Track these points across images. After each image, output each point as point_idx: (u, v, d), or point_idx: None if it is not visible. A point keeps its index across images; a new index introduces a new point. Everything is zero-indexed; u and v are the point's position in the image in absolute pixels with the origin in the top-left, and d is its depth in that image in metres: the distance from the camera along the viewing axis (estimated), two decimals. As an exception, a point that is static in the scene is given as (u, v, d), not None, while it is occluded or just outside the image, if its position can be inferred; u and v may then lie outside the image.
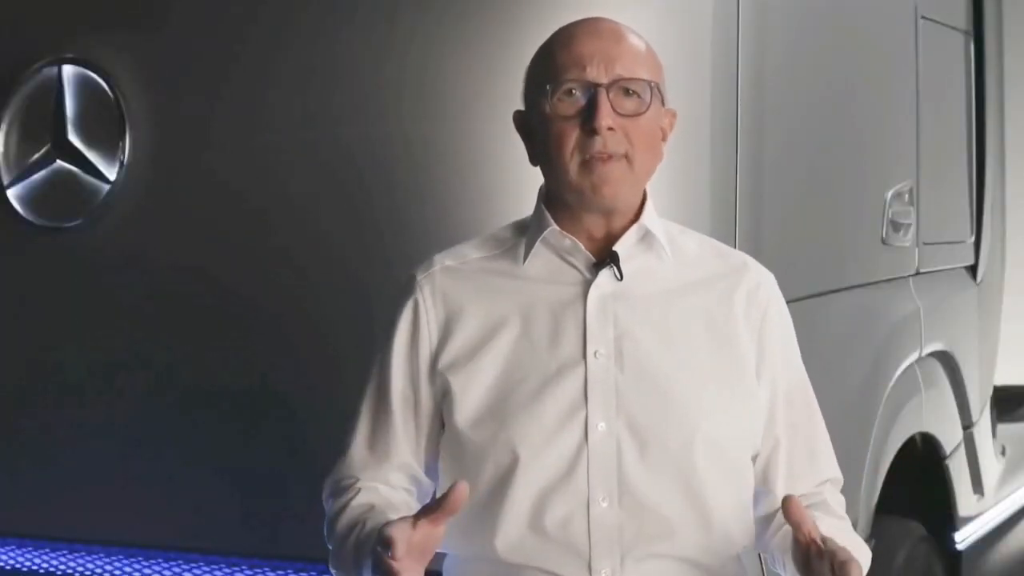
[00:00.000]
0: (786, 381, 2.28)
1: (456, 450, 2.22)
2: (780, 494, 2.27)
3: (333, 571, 2.25)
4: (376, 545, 2.01)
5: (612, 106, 2.14)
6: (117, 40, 3.17)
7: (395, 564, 1.98)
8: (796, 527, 2.05)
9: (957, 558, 4.19)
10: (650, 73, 2.19)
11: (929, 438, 3.92)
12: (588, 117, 2.13)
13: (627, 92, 2.15)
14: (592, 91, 2.14)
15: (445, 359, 2.22)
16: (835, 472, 2.35)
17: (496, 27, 2.89)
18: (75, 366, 3.21)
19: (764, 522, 2.29)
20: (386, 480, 2.27)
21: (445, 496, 2.00)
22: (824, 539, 2.04)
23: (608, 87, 2.14)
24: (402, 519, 2.02)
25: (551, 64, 2.18)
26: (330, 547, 2.26)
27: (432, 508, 2.02)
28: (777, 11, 3.07)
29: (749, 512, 2.27)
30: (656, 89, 2.18)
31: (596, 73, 2.14)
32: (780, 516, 2.24)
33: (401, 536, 1.98)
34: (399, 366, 2.26)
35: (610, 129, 2.13)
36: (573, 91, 2.15)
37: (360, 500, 2.24)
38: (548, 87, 2.16)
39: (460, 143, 2.92)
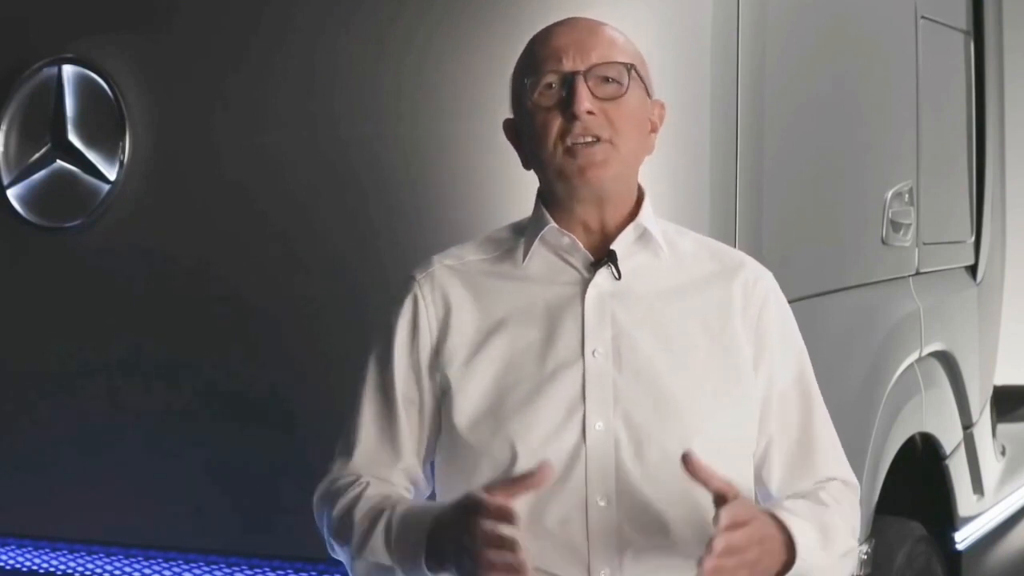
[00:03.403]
0: (783, 378, 2.27)
1: (454, 449, 2.22)
2: (775, 493, 2.27)
3: (352, 563, 2.20)
4: (461, 512, 2.01)
5: (591, 91, 2.16)
6: (117, 40, 3.17)
7: (489, 522, 1.97)
8: (705, 484, 2.03)
9: (957, 558, 4.18)
10: (626, 57, 2.21)
11: (929, 438, 3.91)
12: (567, 104, 2.15)
13: (606, 79, 2.18)
14: (570, 79, 2.16)
15: (444, 358, 2.22)
16: (841, 471, 2.32)
17: (496, 28, 2.88)
18: (75, 366, 3.21)
19: None
20: (389, 480, 2.26)
21: (532, 472, 2.02)
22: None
23: (585, 73, 2.16)
24: (474, 492, 2.02)
25: (530, 61, 2.22)
26: (341, 542, 2.21)
27: (513, 481, 2.03)
28: (777, 11, 3.07)
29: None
30: (635, 72, 2.20)
31: (572, 63, 2.17)
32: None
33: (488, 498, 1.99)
34: (400, 364, 2.26)
35: (590, 113, 2.15)
36: (552, 84, 2.18)
37: (374, 491, 2.21)
38: (527, 81, 2.19)
39: (460, 144, 2.92)
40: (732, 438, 2.21)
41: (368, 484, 2.23)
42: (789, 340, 2.30)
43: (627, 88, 2.18)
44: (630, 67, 2.19)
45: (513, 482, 2.04)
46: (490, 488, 2.03)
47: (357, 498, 2.21)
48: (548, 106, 2.17)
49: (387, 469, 2.26)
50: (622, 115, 2.17)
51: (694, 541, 2.15)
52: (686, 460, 2.03)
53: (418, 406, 2.26)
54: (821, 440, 2.30)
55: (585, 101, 2.15)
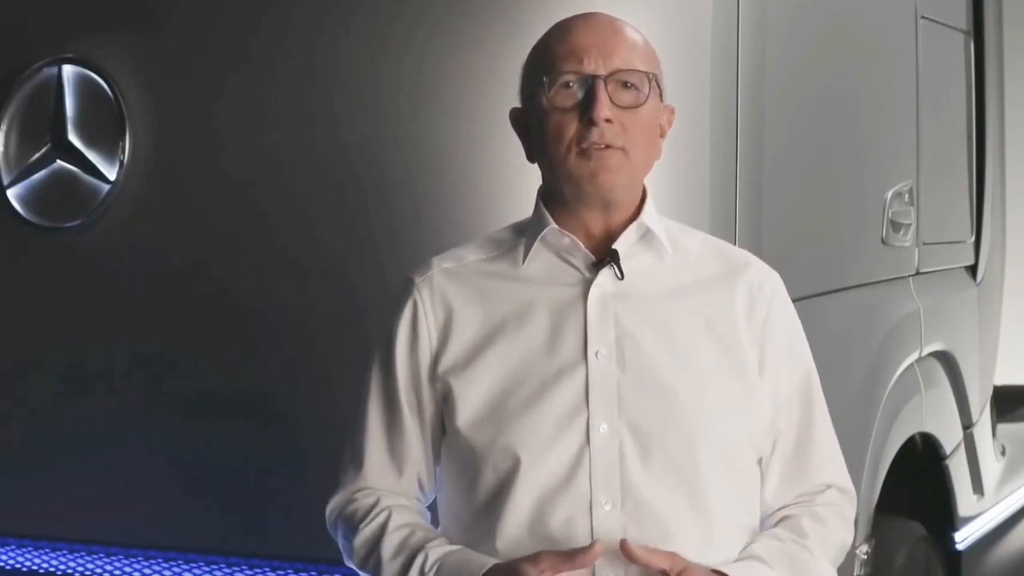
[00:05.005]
0: (788, 383, 2.25)
1: (457, 454, 2.20)
2: (768, 499, 2.27)
3: None
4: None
5: (610, 98, 2.12)
6: (117, 40, 3.18)
7: None
8: (648, 567, 2.07)
9: (957, 558, 4.19)
10: (647, 65, 2.17)
11: (929, 438, 3.91)
12: (586, 109, 2.12)
13: (625, 85, 2.14)
14: (590, 83, 2.13)
15: (445, 363, 2.21)
16: (838, 479, 2.30)
17: (496, 27, 2.88)
18: (75, 366, 3.21)
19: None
20: (405, 492, 2.25)
21: (580, 551, 2.05)
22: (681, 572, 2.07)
23: (606, 79, 2.13)
24: (520, 564, 2.06)
25: (547, 56, 2.17)
26: (366, 567, 2.22)
27: (561, 556, 2.05)
28: (777, 11, 3.07)
29: (754, 515, 2.25)
30: (654, 81, 2.17)
31: (594, 65, 2.13)
32: (766, 521, 2.26)
33: None
34: (402, 371, 2.24)
35: (608, 121, 2.11)
36: (570, 83, 2.14)
37: (398, 521, 2.21)
38: (545, 79, 2.15)
39: (460, 144, 2.92)
40: (737, 438, 2.19)
41: (390, 513, 2.22)
42: (794, 346, 2.29)
43: (646, 98, 2.15)
44: (652, 77, 2.16)
45: (564, 556, 2.06)
46: (537, 559, 2.05)
47: (382, 529, 2.21)
48: (564, 108, 2.13)
49: (397, 481, 2.26)
50: (638, 125, 2.14)
51: (700, 544, 2.14)
52: (623, 549, 2.06)
53: (420, 413, 2.24)
54: (820, 446, 2.29)
55: (605, 108, 2.11)
